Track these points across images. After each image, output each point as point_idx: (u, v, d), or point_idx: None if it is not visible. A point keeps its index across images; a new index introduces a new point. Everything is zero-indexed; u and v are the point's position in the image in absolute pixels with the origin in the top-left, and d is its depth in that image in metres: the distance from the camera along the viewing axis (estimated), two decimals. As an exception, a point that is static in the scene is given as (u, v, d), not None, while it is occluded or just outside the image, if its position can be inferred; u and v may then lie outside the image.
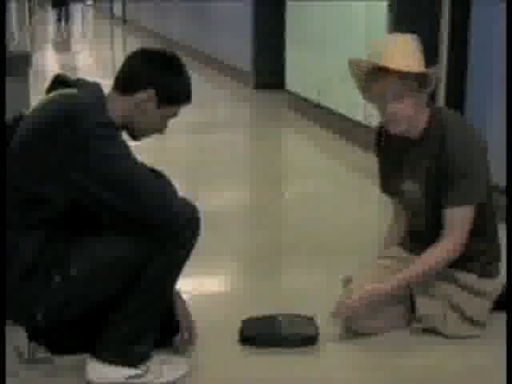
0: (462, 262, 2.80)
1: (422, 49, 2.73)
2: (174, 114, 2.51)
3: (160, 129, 2.52)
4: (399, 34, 2.79)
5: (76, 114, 2.27)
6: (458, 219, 2.74)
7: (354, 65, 2.74)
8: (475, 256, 2.83)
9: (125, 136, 2.44)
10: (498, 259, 2.92)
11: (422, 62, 2.71)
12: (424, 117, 2.78)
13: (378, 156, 3.01)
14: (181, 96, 2.48)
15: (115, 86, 2.45)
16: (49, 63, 11.19)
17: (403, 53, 2.66)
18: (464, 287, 2.83)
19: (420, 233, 2.91)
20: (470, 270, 2.84)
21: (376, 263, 2.99)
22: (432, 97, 2.70)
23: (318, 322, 2.83)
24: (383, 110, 2.73)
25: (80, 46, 16.63)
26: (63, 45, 16.90)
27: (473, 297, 2.83)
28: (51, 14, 21.80)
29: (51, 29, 22.53)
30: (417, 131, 2.79)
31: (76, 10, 29.67)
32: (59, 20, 21.79)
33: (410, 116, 2.72)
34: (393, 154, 2.92)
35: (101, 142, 2.25)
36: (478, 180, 2.74)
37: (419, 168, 2.81)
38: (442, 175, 2.73)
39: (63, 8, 22.06)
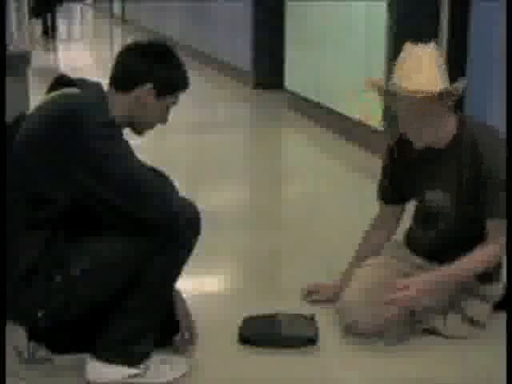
0: None
1: (443, 60, 2.65)
2: (175, 102, 2.51)
3: (163, 120, 2.52)
4: (417, 47, 2.66)
5: (77, 113, 2.27)
6: (500, 231, 2.63)
7: (370, 85, 2.70)
8: None
9: (127, 133, 2.44)
10: (499, 265, 2.88)
11: (440, 76, 2.61)
12: (451, 125, 2.70)
13: (389, 166, 2.93)
14: (179, 84, 2.49)
15: (113, 85, 2.45)
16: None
17: (417, 72, 2.58)
18: (464, 289, 2.83)
19: (438, 245, 2.85)
20: None
21: (376, 262, 2.99)
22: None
23: (318, 322, 2.83)
24: (404, 127, 2.69)
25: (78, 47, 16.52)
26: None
27: (473, 298, 2.83)
28: (32, 25, 17.00)
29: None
30: (445, 141, 2.71)
31: (75, 9, 29.62)
32: (46, 33, 17.37)
33: (431, 130, 2.66)
34: (414, 165, 2.81)
35: (102, 142, 2.25)
36: None
37: (450, 178, 2.72)
38: (479, 185, 2.64)
39: (48, 16, 17.39)
